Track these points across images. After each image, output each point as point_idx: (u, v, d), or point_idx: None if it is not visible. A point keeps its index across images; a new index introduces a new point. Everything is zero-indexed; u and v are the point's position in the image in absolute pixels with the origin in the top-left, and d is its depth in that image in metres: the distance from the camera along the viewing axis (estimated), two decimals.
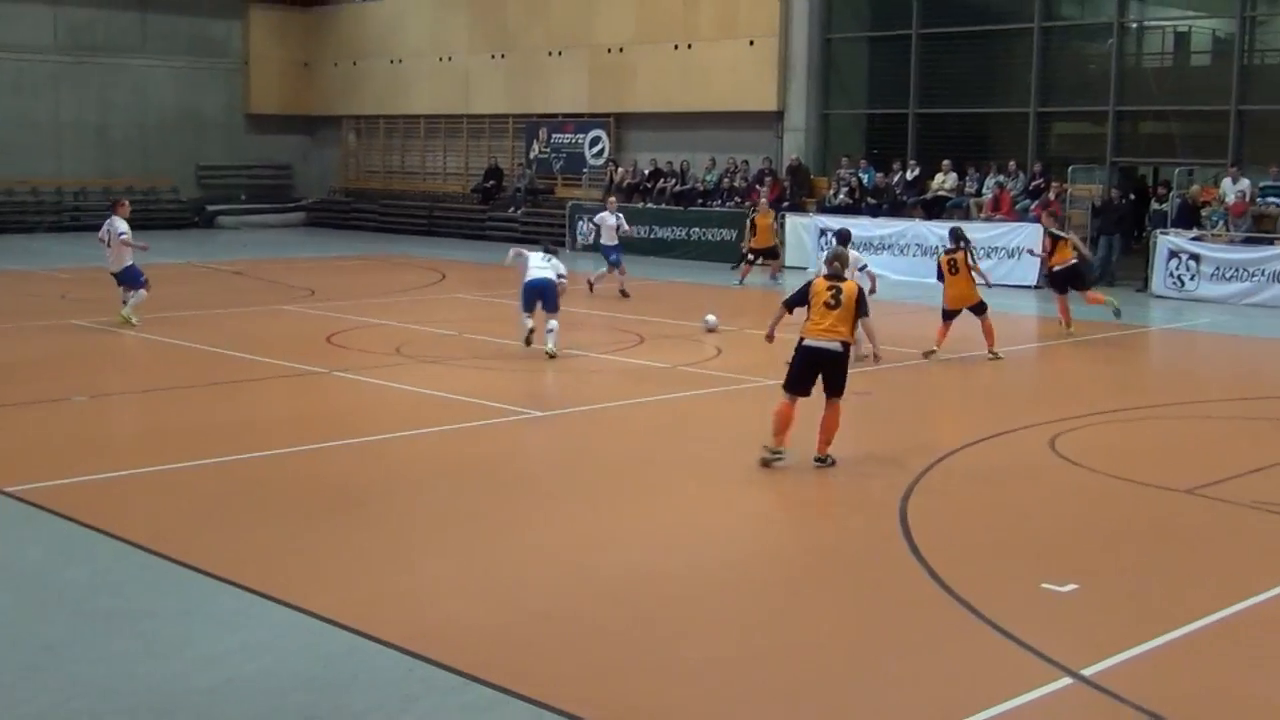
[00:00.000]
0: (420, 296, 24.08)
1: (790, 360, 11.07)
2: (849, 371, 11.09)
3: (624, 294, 22.88)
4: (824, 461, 10.91)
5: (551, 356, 16.21)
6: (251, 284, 25.43)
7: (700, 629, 7.56)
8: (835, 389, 10.92)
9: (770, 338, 11.83)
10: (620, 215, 24.81)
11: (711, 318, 18.82)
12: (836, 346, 10.87)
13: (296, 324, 19.17)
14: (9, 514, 9.54)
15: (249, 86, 42.23)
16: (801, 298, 11.19)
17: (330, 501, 10.08)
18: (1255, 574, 8.45)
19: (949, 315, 17.01)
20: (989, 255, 25.87)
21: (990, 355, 16.78)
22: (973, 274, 17.11)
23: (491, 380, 15.32)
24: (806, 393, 10.95)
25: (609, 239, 23.99)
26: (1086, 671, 6.83)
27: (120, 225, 18.73)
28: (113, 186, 39.05)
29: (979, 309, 16.93)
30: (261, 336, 18.19)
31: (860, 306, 10.99)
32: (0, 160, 35.27)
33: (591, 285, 23.29)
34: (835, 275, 11.28)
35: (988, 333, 16.88)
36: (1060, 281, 19.18)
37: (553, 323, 16.37)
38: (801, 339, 11.03)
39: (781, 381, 11.13)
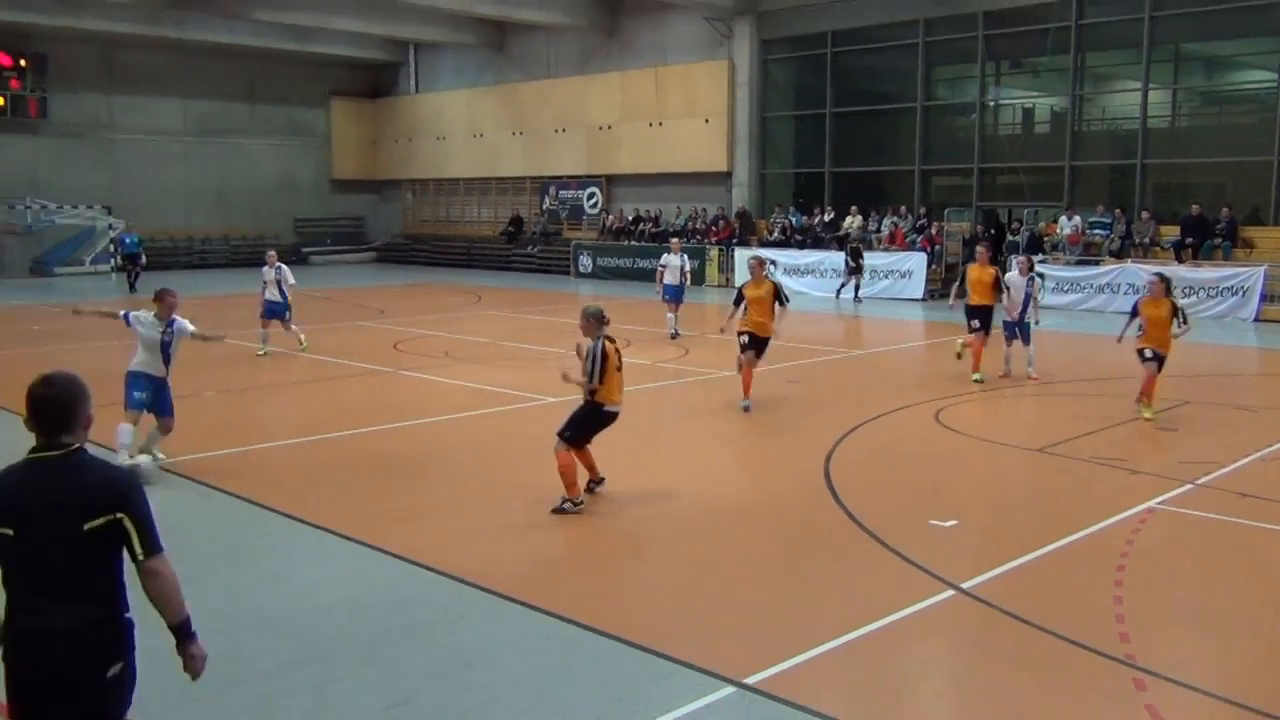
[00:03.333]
0: (463, 314, 24.02)
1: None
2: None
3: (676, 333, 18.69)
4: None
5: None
6: (337, 306, 25.31)
7: (671, 561, 7.55)
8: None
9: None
10: (684, 256, 19.28)
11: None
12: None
13: (371, 335, 19.09)
14: (159, 480, 9.50)
15: (332, 158, 42.10)
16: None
17: (398, 467, 10.05)
18: (1093, 511, 8.46)
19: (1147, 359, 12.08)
20: (886, 277, 26.00)
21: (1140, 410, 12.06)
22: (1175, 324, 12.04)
23: (517, 376, 15.28)
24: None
25: (674, 279, 18.93)
26: (966, 585, 6.84)
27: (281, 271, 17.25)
28: (230, 235, 39.14)
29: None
30: (344, 345, 18.09)
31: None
32: (144, 216, 35.17)
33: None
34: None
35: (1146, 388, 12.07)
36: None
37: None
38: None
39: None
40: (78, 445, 3.69)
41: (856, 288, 26.00)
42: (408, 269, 38.00)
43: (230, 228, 39.33)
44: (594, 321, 8.65)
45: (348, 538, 7.86)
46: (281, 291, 16.99)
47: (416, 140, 41.30)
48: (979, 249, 15.80)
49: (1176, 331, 12.05)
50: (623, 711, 5.20)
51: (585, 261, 33.12)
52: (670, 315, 18.87)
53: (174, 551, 3.93)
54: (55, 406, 3.66)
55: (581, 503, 8.54)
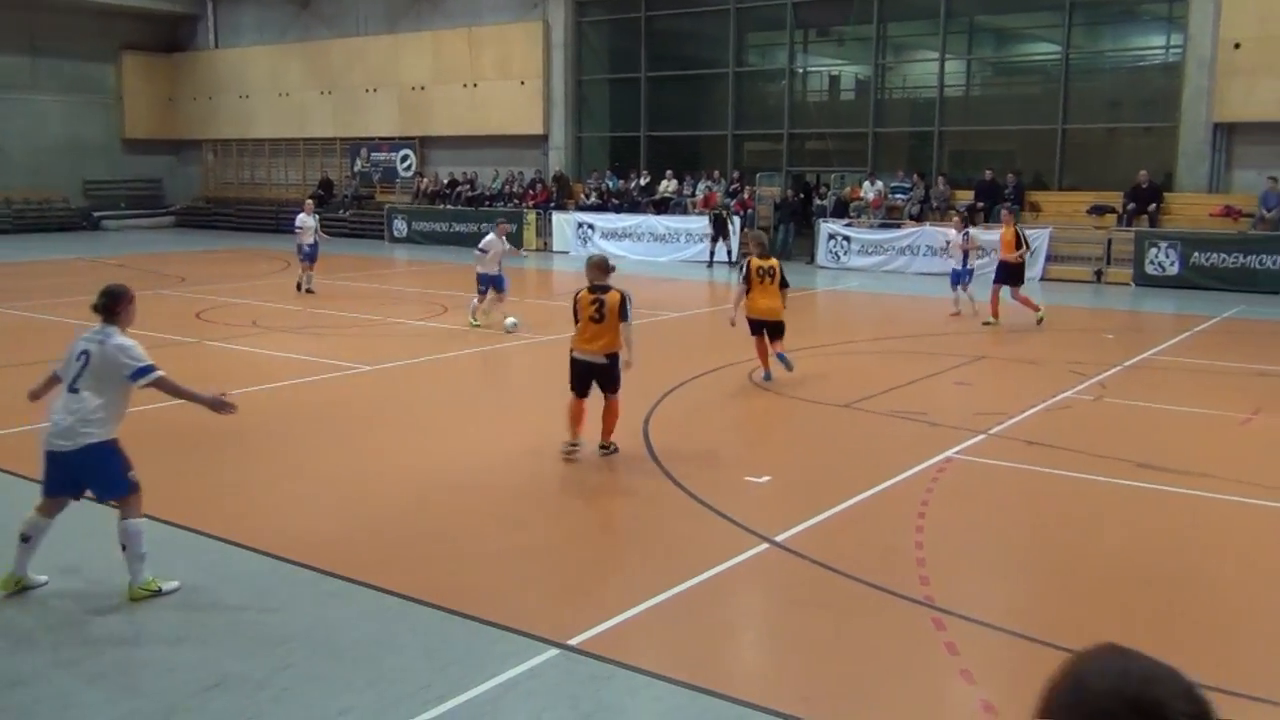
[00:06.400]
0: (270, 281, 23.17)
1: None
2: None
3: (311, 290, 19.67)
4: (607, 449, 9.00)
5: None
6: (133, 273, 23.98)
7: (494, 527, 7.54)
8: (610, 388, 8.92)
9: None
10: (317, 217, 20.62)
11: (511, 320, 15.42)
12: (601, 360, 8.81)
13: (171, 304, 18.19)
14: None
15: (124, 117, 39.61)
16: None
17: (204, 442, 9.64)
18: (895, 462, 8.88)
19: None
20: (700, 241, 26.44)
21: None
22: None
23: (329, 344, 14.88)
24: (586, 394, 8.97)
25: (308, 239, 19.90)
26: (779, 538, 7.09)
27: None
28: (11, 199, 36.45)
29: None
30: (142, 314, 17.13)
31: (622, 313, 8.72)
32: None
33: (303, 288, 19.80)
34: (599, 287, 8.82)
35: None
36: (1006, 275, 16.51)
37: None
38: (571, 351, 8.97)
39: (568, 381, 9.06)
40: None
41: (728, 252, 25.58)
42: (211, 234, 36.29)
43: (10, 190, 36.58)
44: None
45: (151, 518, 7.50)
46: None
47: (218, 98, 39.34)
48: (1004, 212, 18.16)
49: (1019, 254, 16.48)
50: (448, 680, 5.18)
51: (400, 226, 32.41)
52: (309, 274, 19.84)
53: None
54: None
55: None
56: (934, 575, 6.47)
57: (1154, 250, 21.50)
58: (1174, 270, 21.24)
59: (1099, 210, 22.98)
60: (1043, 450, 9.32)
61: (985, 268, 18.95)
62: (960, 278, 17.48)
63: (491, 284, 15.93)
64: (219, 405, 6.33)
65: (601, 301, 8.71)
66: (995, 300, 16.65)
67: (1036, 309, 16.44)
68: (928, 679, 5.35)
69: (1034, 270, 22.35)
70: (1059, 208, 24.00)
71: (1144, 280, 21.48)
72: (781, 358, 11.81)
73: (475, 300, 16.07)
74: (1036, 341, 15.55)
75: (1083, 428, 10.22)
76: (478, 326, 15.71)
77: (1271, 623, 6.06)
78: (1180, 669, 1.68)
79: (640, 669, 5.31)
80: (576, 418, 8.95)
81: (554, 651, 5.46)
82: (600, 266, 8.94)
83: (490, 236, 16.20)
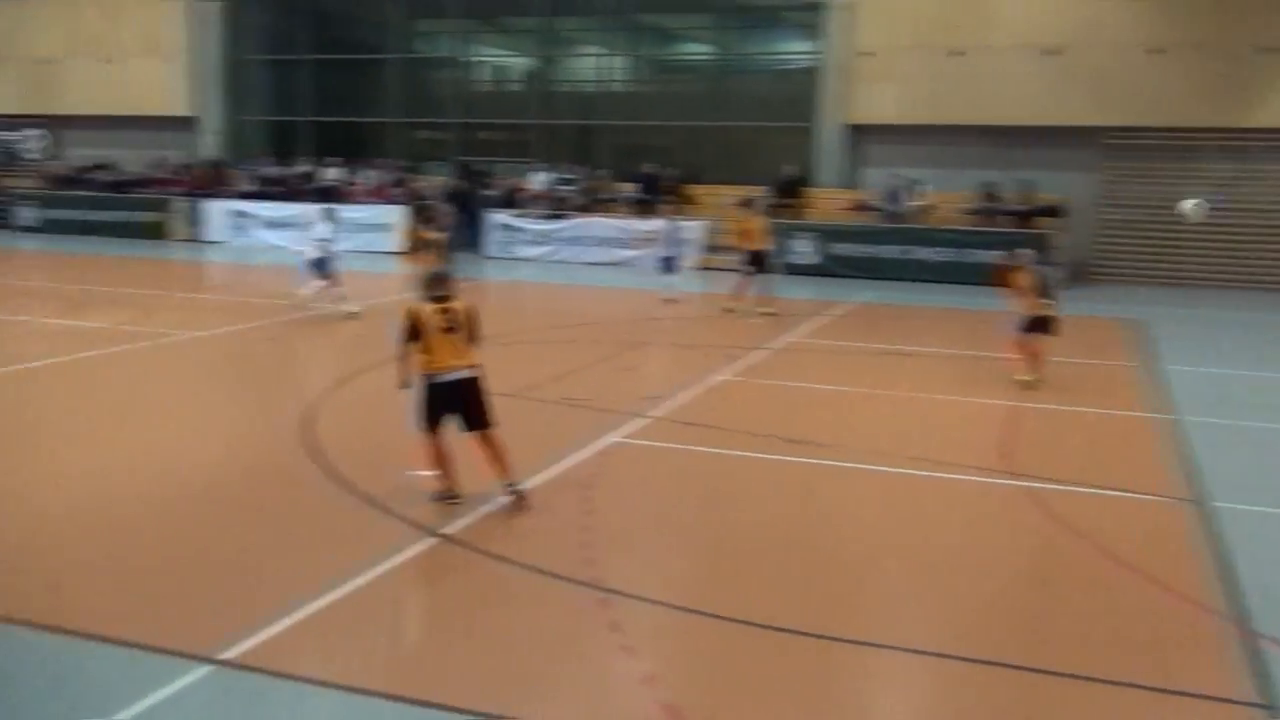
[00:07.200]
0: None
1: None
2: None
3: None
4: (519, 490, 7.61)
5: None
6: None
7: (134, 541, 6.97)
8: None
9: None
10: None
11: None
12: (468, 373, 7.46)
13: None
14: None
15: None
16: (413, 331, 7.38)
17: None
18: (562, 448, 9.02)
19: None
20: (369, 230, 25.70)
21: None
22: None
23: None
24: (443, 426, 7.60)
25: None
26: (446, 530, 7.05)
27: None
28: None
29: None
30: None
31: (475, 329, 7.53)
32: None
33: None
34: (442, 297, 7.51)
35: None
36: (757, 263, 17.13)
37: None
38: (429, 377, 7.43)
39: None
40: None
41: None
42: None
43: None
44: None
45: None
46: None
47: None
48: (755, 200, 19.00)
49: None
50: (79, 712, 4.74)
51: (26, 213, 29.31)
52: None
53: None
54: None
55: None
56: (599, 557, 6.65)
57: (796, 241, 23.17)
58: (815, 259, 23.00)
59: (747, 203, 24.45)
60: (699, 430, 9.80)
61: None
62: (669, 265, 18.48)
63: (318, 267, 15.51)
64: None
65: (452, 310, 7.40)
66: (744, 289, 17.23)
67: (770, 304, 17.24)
68: (591, 658, 5.48)
69: (690, 260, 23.51)
70: (712, 200, 25.33)
71: (788, 269, 23.09)
72: None
73: (325, 286, 15.69)
74: (694, 327, 16.34)
75: (735, 407, 10.86)
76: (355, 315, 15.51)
77: (888, 576, 6.70)
78: None
79: (304, 678, 5.10)
80: (446, 458, 7.58)
81: (206, 669, 5.13)
82: (444, 280, 7.67)
83: (322, 226, 16.10)
